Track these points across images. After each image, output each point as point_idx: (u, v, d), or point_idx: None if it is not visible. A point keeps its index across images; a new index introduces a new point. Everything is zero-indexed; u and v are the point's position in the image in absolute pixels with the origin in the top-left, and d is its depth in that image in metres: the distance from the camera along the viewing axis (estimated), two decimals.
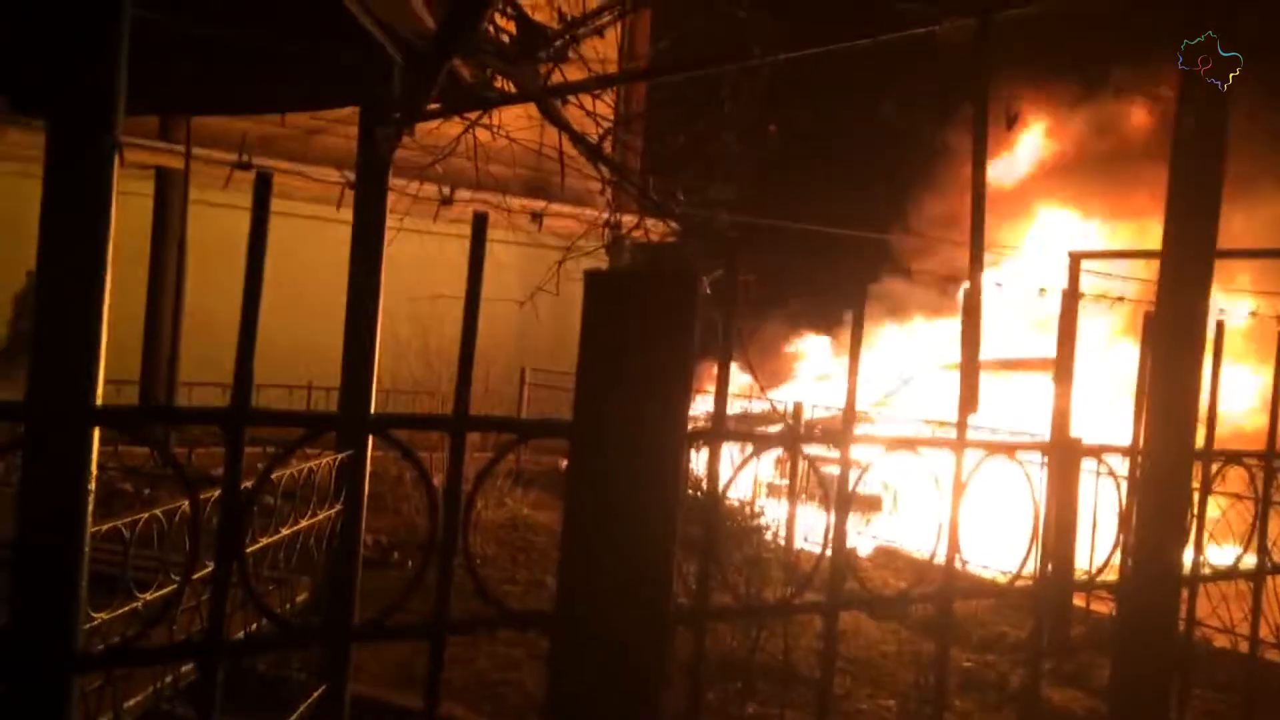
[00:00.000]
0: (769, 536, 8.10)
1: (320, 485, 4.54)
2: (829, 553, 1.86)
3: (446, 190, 5.11)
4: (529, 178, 10.70)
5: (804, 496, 9.61)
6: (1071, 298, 7.74)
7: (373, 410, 4.85)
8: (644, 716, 1.49)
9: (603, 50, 5.48)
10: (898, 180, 14.97)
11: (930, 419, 9.97)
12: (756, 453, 1.79)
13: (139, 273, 11.93)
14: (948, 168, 13.97)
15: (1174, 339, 2.26)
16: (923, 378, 12.32)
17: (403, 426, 1.53)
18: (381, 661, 6.07)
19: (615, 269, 1.53)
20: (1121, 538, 2.27)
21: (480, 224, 1.35)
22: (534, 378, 14.11)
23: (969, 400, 1.88)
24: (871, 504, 9.69)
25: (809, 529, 9.14)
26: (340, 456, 4.59)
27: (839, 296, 12.54)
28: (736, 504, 8.90)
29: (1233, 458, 2.40)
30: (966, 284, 2.62)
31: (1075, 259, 7.65)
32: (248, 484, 1.35)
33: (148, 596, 3.15)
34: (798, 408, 10.25)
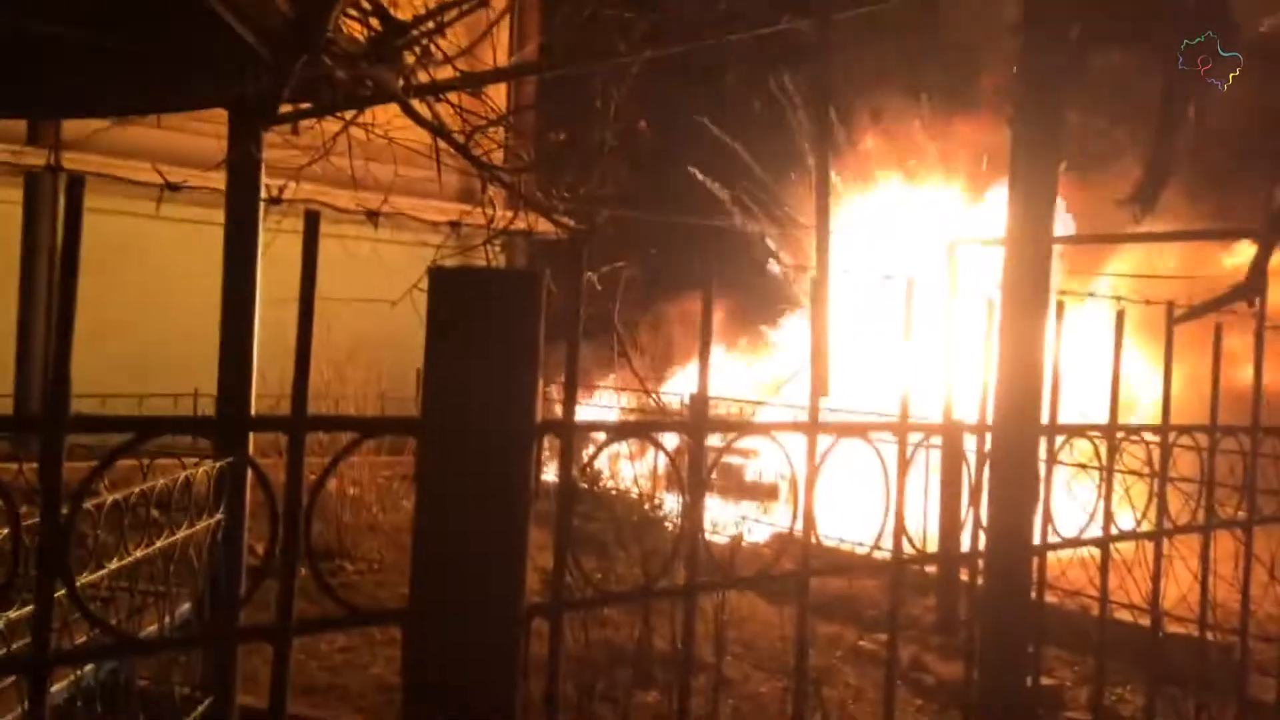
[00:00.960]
0: (669, 526, 8.18)
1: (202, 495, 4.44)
2: (716, 538, 1.91)
3: (320, 192, 5.02)
4: (414, 179, 10.58)
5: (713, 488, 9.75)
6: (949, 284, 8.00)
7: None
8: (498, 709, 1.52)
9: (488, 49, 5.47)
10: (776, 173, 15.22)
11: (836, 408, 10.19)
12: (608, 443, 1.82)
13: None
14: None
15: (1017, 320, 2.36)
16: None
17: (264, 429, 1.51)
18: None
19: (460, 267, 1.54)
20: (972, 510, 2.37)
21: (312, 223, 1.35)
22: None
23: (820, 386, 1.95)
24: (769, 492, 9.86)
25: (715, 518, 9.24)
26: (219, 464, 4.49)
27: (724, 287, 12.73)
28: (637, 497, 8.98)
29: (1076, 431, 2.52)
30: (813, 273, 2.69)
31: (952, 247, 7.92)
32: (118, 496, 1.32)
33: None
34: (694, 399, 10.39)
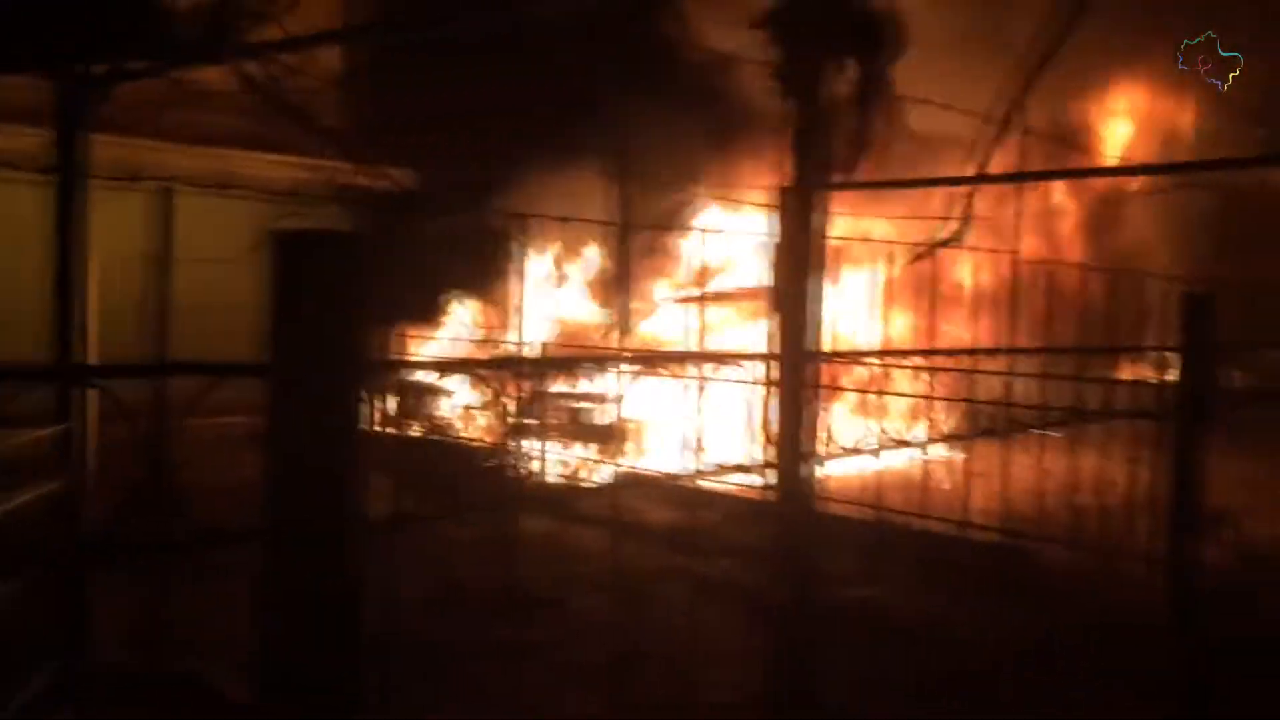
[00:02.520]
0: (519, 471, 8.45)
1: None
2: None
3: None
4: (252, 131, 10.41)
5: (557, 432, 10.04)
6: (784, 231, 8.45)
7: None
8: (342, 616, 1.78)
9: (320, 12, 5.52)
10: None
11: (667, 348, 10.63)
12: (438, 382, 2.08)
13: None
14: None
15: (790, 263, 2.72)
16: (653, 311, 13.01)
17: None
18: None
19: (295, 230, 1.77)
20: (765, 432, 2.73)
21: (71, 191, 1.55)
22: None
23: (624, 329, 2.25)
24: (613, 434, 10.21)
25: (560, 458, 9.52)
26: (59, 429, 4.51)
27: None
28: (485, 445, 9.23)
29: (852, 358, 2.91)
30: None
31: (784, 192, 8.35)
32: None
33: None
34: (544, 347, 10.65)
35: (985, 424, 3.26)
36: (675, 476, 7.83)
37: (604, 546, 7.98)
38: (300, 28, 5.18)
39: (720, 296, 11.58)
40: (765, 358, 2.65)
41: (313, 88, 4.91)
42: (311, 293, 1.75)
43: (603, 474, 9.69)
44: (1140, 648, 4.39)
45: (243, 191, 8.81)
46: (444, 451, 7.99)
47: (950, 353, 3.04)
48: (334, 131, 4.74)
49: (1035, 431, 3.47)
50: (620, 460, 9.78)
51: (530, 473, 8.78)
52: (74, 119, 4.70)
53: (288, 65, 4.34)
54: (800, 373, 2.65)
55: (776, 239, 2.66)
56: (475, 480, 7.04)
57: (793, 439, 2.72)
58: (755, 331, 10.60)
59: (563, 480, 9.64)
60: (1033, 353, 3.42)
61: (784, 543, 2.79)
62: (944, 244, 3.17)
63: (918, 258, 2.94)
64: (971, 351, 3.12)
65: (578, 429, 9.73)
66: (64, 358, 4.47)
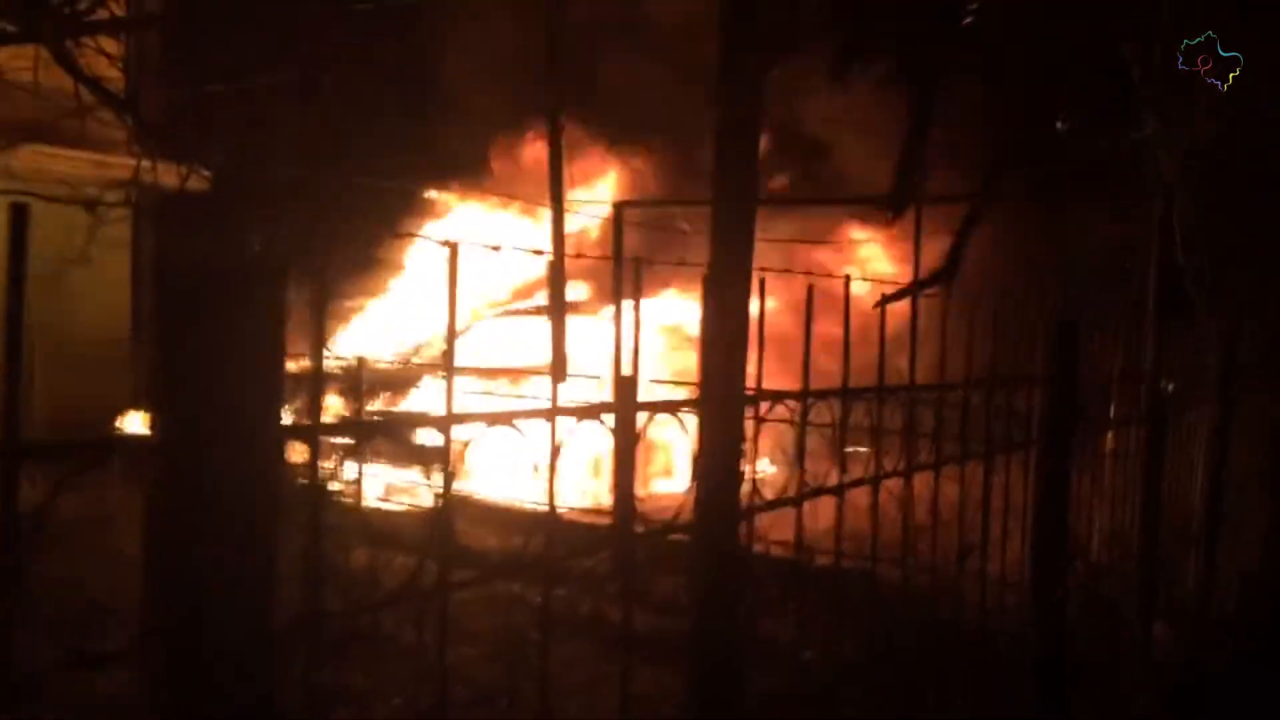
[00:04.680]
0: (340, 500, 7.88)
1: None
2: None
3: None
4: (29, 120, 9.33)
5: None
6: (617, 248, 8.26)
7: None
8: None
9: None
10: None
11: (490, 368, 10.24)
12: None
13: None
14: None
15: (724, 293, 2.48)
16: (476, 326, 12.58)
17: None
18: None
19: (199, 260, 1.37)
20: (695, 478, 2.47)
21: None
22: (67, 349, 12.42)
23: (559, 370, 1.94)
24: (437, 457, 9.76)
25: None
26: None
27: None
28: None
29: (778, 396, 2.70)
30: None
31: (619, 209, 8.13)
32: None
33: None
34: (361, 361, 10.03)
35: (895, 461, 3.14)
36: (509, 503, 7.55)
37: (428, 575, 7.56)
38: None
39: (531, 311, 11.31)
40: (687, 402, 2.39)
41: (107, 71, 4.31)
42: (229, 349, 1.36)
43: (426, 498, 9.23)
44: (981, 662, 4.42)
45: (20, 186, 7.81)
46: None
47: (881, 390, 2.88)
48: (140, 117, 4.18)
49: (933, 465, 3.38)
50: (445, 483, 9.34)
51: (343, 495, 8.19)
52: None
53: (103, 51, 3.77)
54: (731, 411, 2.42)
55: (707, 267, 2.40)
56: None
57: (719, 479, 2.48)
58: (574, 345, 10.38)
59: (382, 504, 9.13)
60: (932, 388, 3.31)
61: (703, 590, 2.54)
62: (926, 285, 3.06)
63: (891, 299, 2.82)
64: (903, 388, 2.98)
65: (401, 450, 9.25)
66: None
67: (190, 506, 1.36)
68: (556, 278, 6.55)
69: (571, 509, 7.39)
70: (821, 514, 3.10)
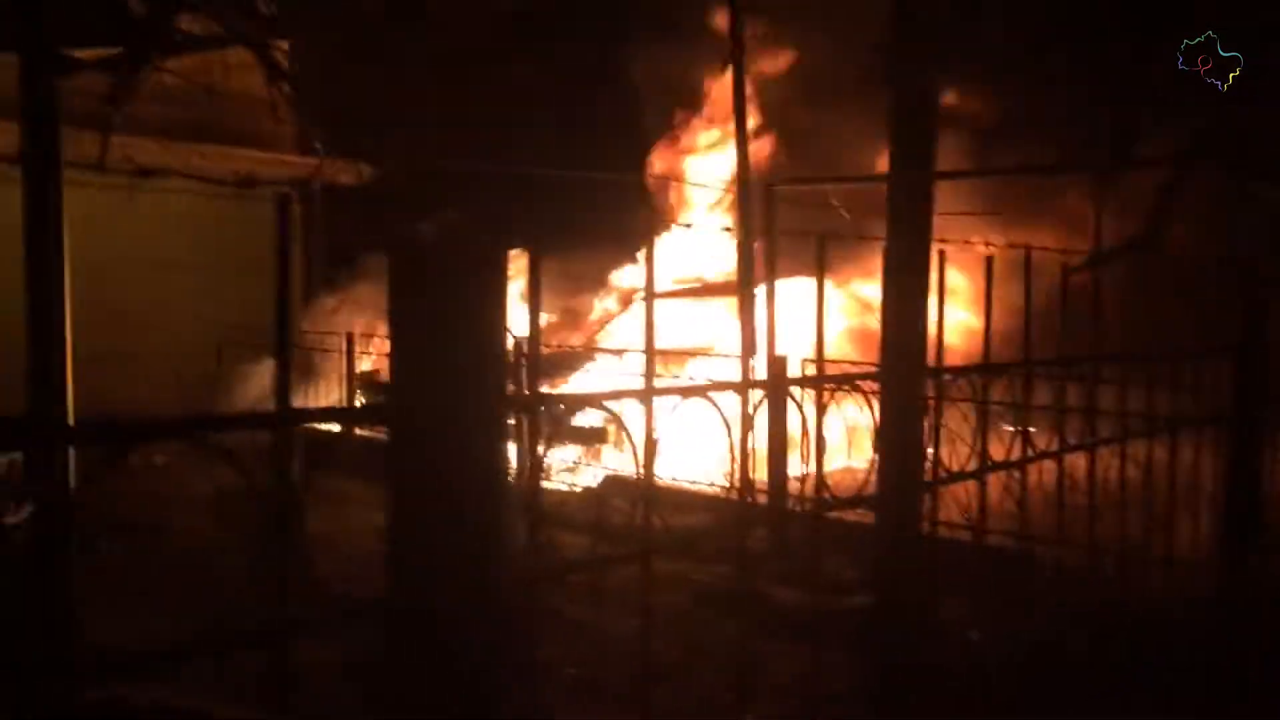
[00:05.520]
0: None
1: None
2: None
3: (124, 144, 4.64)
4: (197, 120, 9.91)
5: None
6: (769, 227, 8.22)
7: (71, 393, 4.38)
8: (495, 699, 1.49)
9: None
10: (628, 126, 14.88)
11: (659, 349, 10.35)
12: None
13: None
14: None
15: (902, 271, 2.47)
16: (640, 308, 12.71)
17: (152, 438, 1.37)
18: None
19: (415, 239, 1.46)
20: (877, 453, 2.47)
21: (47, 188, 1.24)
22: (227, 334, 13.27)
23: (749, 347, 1.97)
24: (596, 436, 9.95)
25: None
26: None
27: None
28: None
29: (959, 372, 2.67)
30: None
31: (770, 188, 8.11)
32: None
33: None
34: (518, 344, 10.30)
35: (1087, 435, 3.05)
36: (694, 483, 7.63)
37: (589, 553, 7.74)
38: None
39: (699, 290, 11.34)
40: (869, 375, 2.38)
41: (276, 75, 4.54)
42: (445, 317, 1.44)
43: (588, 477, 9.42)
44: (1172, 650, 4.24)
45: (204, 186, 8.35)
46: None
47: (1048, 363, 2.81)
48: (308, 119, 4.41)
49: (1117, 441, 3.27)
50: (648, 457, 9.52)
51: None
52: (47, 107, 4.30)
53: (264, 50, 4.00)
54: (913, 387, 2.40)
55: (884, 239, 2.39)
56: None
57: (901, 459, 2.46)
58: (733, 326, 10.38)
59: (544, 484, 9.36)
60: (1139, 359, 3.20)
61: (887, 567, 2.53)
62: (1120, 254, 2.97)
63: (1080, 267, 2.74)
64: (1087, 358, 2.90)
65: (563, 431, 9.45)
66: (40, 400, 3.95)
67: (421, 479, 1.45)
68: (744, 257, 6.60)
69: (724, 486, 7.44)
70: (976, 492, 3.04)
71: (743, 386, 2.03)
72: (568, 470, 9.55)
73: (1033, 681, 3.84)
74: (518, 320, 1.71)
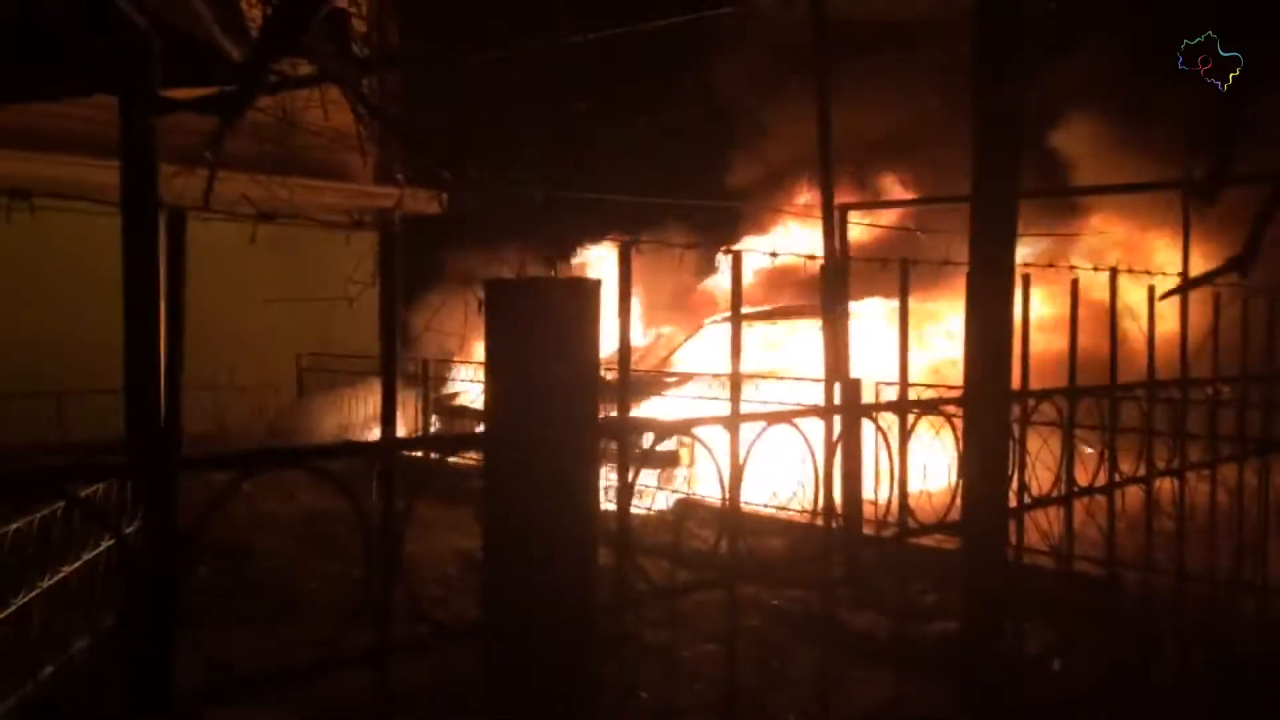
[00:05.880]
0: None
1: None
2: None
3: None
4: (275, 154, 10.19)
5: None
6: (843, 250, 8.20)
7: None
8: (580, 711, 1.52)
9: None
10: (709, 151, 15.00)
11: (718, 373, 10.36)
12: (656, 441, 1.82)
13: None
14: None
15: (985, 291, 2.46)
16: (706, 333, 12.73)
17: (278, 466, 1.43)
18: None
19: (516, 280, 1.51)
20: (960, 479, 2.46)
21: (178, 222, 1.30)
22: (307, 362, 13.67)
23: (833, 372, 1.99)
24: (670, 460, 9.97)
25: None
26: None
27: None
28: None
29: (1043, 395, 2.64)
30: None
31: (843, 211, 8.08)
32: None
33: None
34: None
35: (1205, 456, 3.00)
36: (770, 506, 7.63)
37: (667, 578, 7.75)
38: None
39: (773, 314, 11.31)
40: (953, 400, 2.37)
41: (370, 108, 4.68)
42: (540, 349, 1.49)
43: (660, 501, 9.44)
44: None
45: (304, 221, 8.55)
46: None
47: (1153, 385, 2.77)
48: (400, 151, 4.54)
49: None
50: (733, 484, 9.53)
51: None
52: (145, 147, 4.48)
53: (355, 88, 4.13)
54: (1000, 409, 2.38)
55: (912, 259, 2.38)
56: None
57: (989, 489, 2.44)
58: (809, 350, 10.34)
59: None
60: (1231, 381, 3.14)
61: (974, 594, 2.51)
62: (1217, 275, 2.92)
63: (1175, 291, 2.70)
64: (1175, 382, 2.85)
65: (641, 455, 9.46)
66: (143, 425, 4.11)
67: (517, 502, 1.49)
68: (833, 280, 6.62)
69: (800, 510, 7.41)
70: (1058, 519, 2.99)
71: (828, 412, 2.05)
72: (638, 494, 9.58)
73: (1117, 711, 3.75)
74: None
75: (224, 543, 7.88)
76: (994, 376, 2.47)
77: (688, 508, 9.18)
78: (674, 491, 9.68)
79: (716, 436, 1.91)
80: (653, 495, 9.51)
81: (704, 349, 11.90)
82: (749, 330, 11.21)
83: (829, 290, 7.59)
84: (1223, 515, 3.55)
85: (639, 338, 12.20)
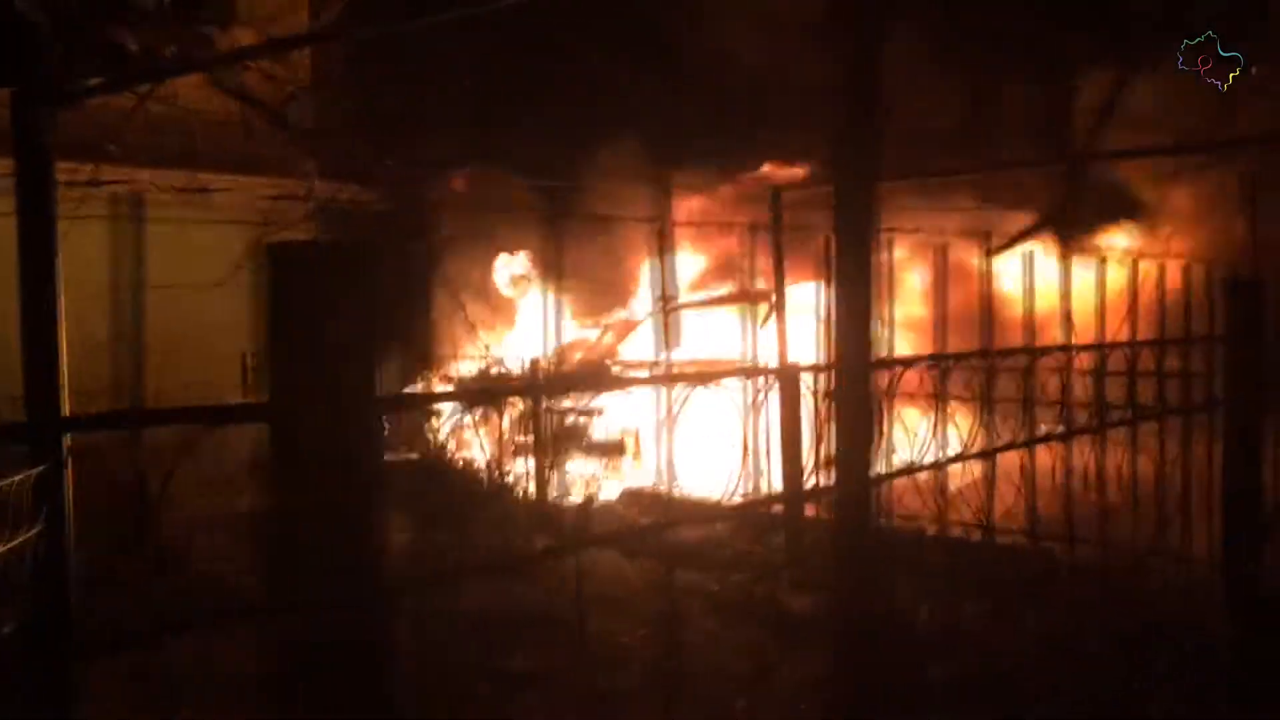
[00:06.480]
0: (519, 494, 8.16)
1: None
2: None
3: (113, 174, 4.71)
4: (216, 151, 10.03)
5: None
6: (776, 232, 8.20)
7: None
8: (366, 694, 1.48)
9: (288, 13, 5.21)
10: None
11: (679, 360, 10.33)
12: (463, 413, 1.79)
13: None
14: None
15: (848, 263, 2.44)
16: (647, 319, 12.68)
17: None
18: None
19: (295, 241, 1.47)
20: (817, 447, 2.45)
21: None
22: (256, 361, 13.51)
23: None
24: (616, 449, 9.92)
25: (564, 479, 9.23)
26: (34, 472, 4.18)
27: None
28: (481, 466, 8.87)
29: (908, 363, 2.63)
30: None
31: (777, 192, 8.10)
32: None
33: None
34: (534, 363, 10.33)
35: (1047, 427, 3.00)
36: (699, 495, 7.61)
37: (614, 564, 7.72)
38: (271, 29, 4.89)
39: (712, 301, 11.28)
40: (819, 369, 2.35)
41: (286, 95, 4.60)
42: (318, 316, 1.45)
43: (612, 490, 9.40)
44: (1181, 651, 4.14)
45: (216, 214, 8.45)
46: (441, 476, 7.71)
47: (1007, 353, 2.76)
48: (317, 140, 4.47)
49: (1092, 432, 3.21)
50: (630, 477, 9.51)
51: (526, 493, 8.47)
52: (40, 141, 4.38)
53: (262, 71, 4.06)
54: (863, 382, 2.37)
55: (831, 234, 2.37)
56: (479, 508, 6.72)
57: (856, 454, 2.43)
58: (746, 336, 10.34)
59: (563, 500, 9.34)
60: (1089, 349, 3.15)
61: (847, 563, 2.50)
62: (1034, 231, 2.94)
63: (1001, 248, 2.72)
64: (1031, 350, 2.85)
65: (588, 445, 9.43)
66: (39, 405, 4.08)
67: (293, 471, 1.45)
68: (778, 265, 6.63)
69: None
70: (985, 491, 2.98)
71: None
72: (587, 484, 9.55)
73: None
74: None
75: None
76: (855, 344, 2.45)
77: (632, 498, 9.16)
78: (621, 481, 9.65)
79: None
80: (599, 485, 9.48)
81: (644, 340, 11.88)
82: (694, 316, 11.23)
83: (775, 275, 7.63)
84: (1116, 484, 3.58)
85: (584, 332, 12.15)
